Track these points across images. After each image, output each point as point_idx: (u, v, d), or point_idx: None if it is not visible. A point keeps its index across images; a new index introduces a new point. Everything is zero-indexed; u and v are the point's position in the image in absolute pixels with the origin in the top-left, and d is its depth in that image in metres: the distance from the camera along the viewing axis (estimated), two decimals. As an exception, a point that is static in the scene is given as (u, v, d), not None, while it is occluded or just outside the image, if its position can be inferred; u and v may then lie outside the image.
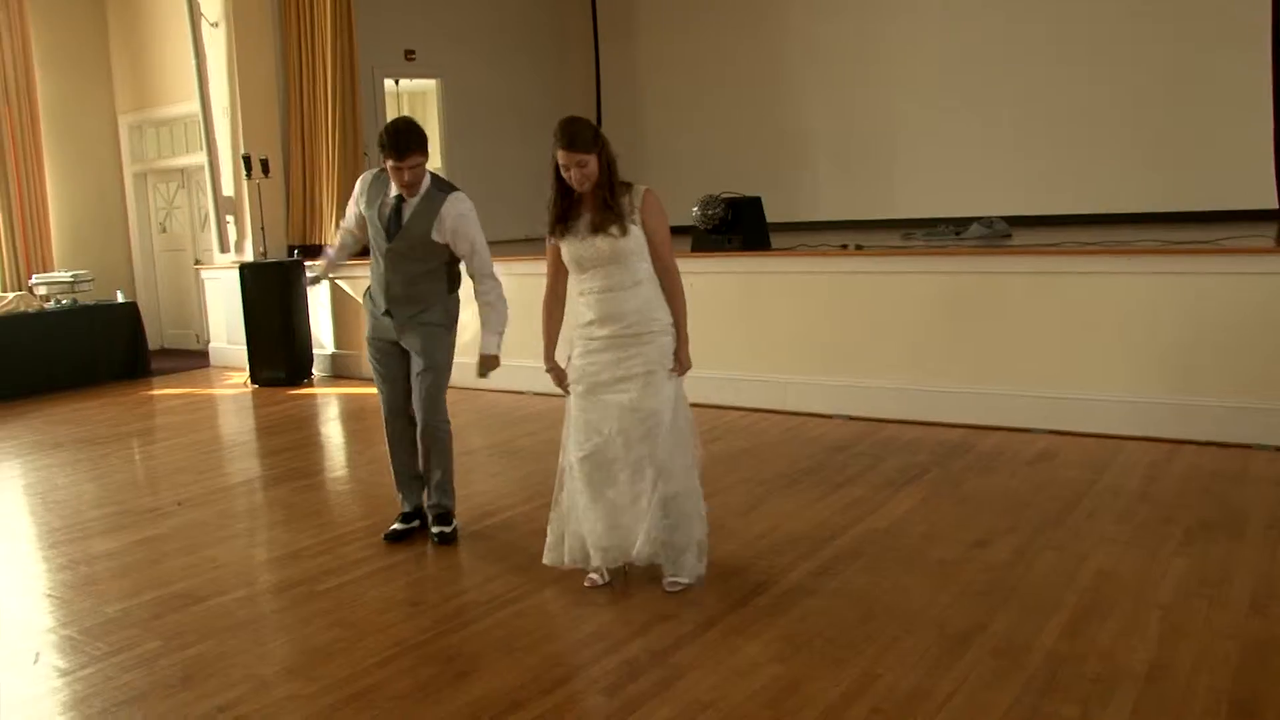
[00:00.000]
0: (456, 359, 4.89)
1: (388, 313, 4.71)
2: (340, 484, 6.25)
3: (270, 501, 5.84)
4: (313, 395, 9.12)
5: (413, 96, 14.30)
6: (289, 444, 7.29)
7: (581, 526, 4.09)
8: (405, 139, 4.38)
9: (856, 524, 4.74)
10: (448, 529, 4.83)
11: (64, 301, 10.20)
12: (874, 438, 6.34)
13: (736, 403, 7.27)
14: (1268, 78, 8.48)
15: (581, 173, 3.92)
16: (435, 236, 4.55)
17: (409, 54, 11.45)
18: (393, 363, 4.82)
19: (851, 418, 6.82)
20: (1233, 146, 8.75)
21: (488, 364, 4.65)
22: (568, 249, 4.05)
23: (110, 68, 12.17)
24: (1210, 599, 3.73)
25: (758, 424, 6.82)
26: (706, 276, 7.07)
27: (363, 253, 5.08)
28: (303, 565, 4.62)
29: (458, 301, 4.82)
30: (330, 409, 8.63)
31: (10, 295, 10.12)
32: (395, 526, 4.92)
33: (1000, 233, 7.87)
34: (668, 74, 11.90)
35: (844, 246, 7.24)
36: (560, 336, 4.27)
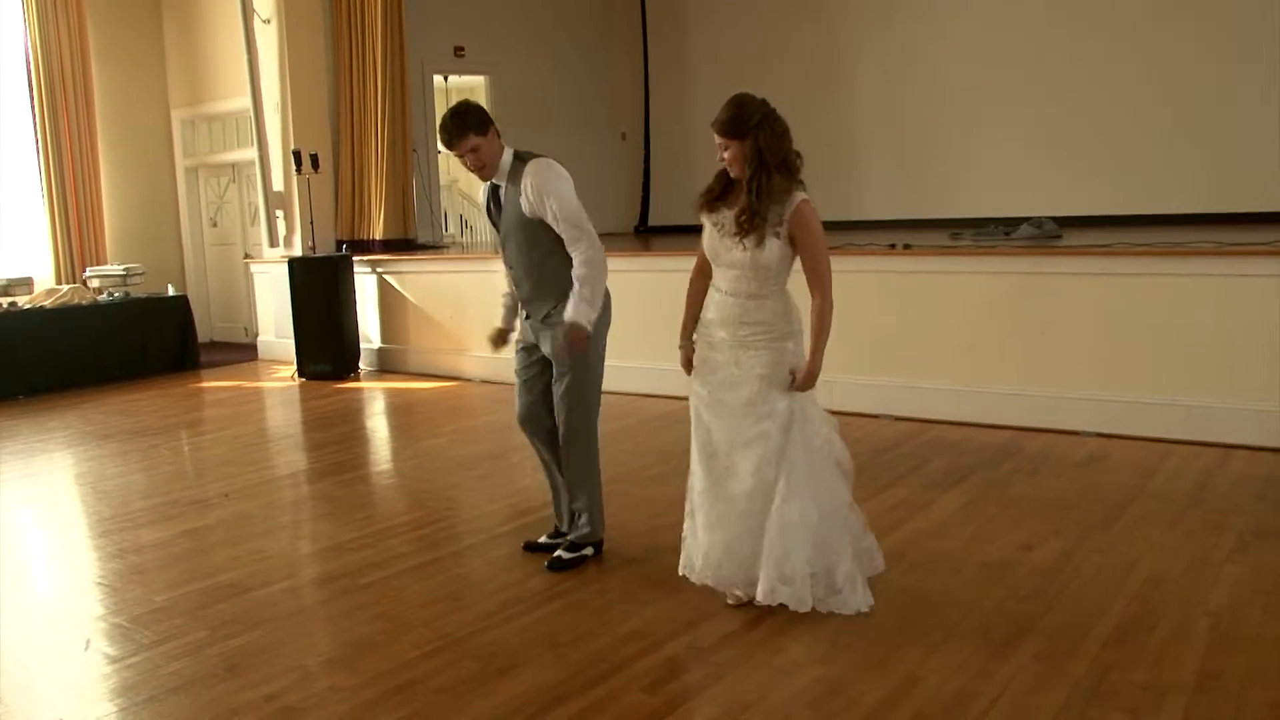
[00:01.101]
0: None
1: (529, 315, 4.36)
2: (385, 478, 6.29)
3: (316, 494, 5.90)
4: (359, 389, 9.19)
5: (461, 93, 14.37)
6: (335, 437, 7.35)
7: (698, 536, 3.89)
8: (450, 126, 4.11)
9: (902, 525, 4.71)
10: (566, 555, 4.39)
11: (116, 294, 10.35)
12: (921, 438, 6.29)
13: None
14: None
15: (725, 155, 3.67)
16: (526, 211, 4.15)
17: (458, 50, 11.51)
18: (531, 368, 4.42)
19: (898, 418, 6.77)
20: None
21: (571, 334, 4.13)
22: (707, 235, 3.78)
23: (164, 63, 12.33)
24: (1264, 608, 3.66)
25: (802, 423, 6.78)
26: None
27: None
28: (347, 558, 4.65)
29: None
30: (376, 403, 8.69)
31: (64, 288, 10.29)
32: (541, 539, 4.63)
33: (1050, 233, 7.77)
34: (716, 71, 11.86)
35: (892, 246, 7.18)
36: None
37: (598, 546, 4.48)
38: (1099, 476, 5.37)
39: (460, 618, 3.92)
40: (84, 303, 10.05)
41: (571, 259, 4.18)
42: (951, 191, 10.36)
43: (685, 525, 3.96)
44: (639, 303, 7.50)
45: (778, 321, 3.74)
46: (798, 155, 3.72)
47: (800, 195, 3.67)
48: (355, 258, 9.99)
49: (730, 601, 3.87)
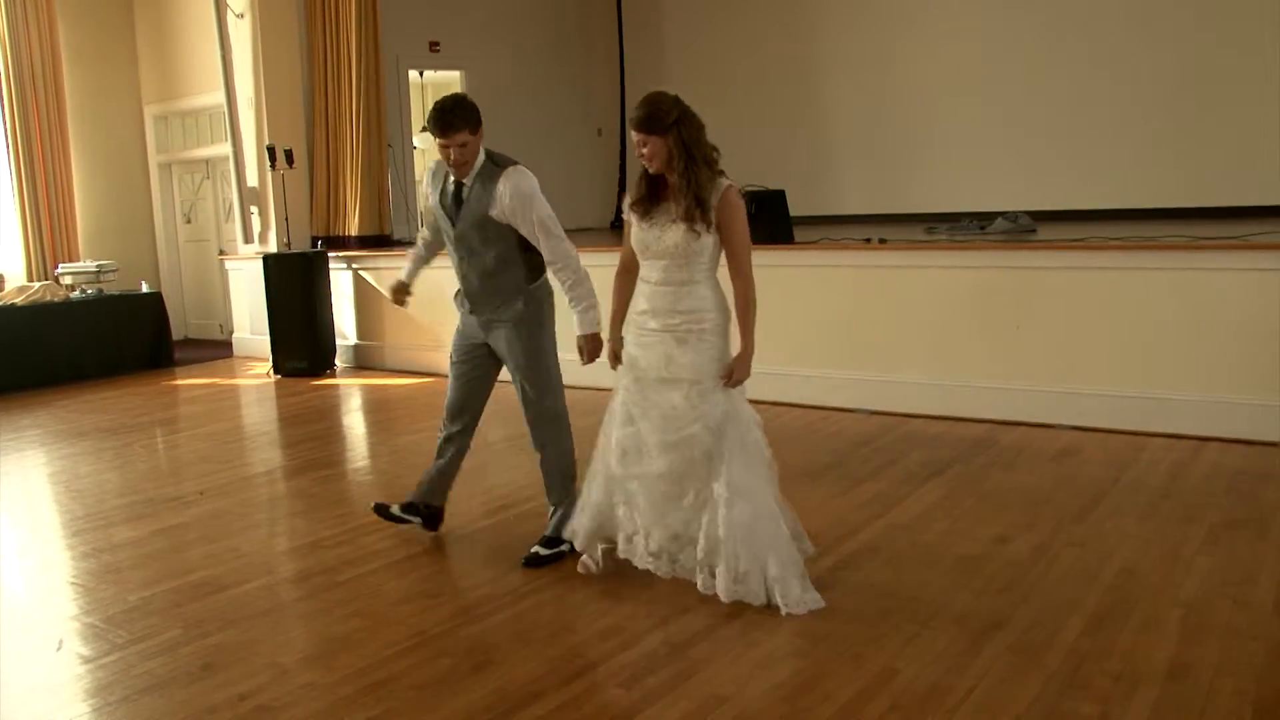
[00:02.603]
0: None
1: (473, 311, 4.40)
2: (361, 474, 6.27)
3: (291, 491, 5.87)
4: (335, 386, 9.16)
5: (437, 88, 14.30)
6: (311, 434, 7.32)
7: (614, 510, 4.03)
8: (448, 115, 4.09)
9: (878, 519, 4.73)
10: (544, 551, 4.38)
11: (89, 291, 10.27)
12: (897, 432, 6.31)
13: (758, 396, 7.14)
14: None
15: (644, 152, 3.76)
16: (494, 214, 4.18)
17: (434, 45, 11.46)
18: (472, 362, 4.47)
19: (874, 412, 6.79)
20: (1260, 142, 8.66)
21: (590, 345, 4.20)
22: (637, 234, 3.87)
23: (136, 59, 12.23)
24: (1234, 598, 3.70)
25: (779, 417, 6.79)
26: (729, 270, 7.04)
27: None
28: (323, 555, 4.63)
29: (544, 292, 4.37)
30: (352, 399, 8.66)
31: (36, 285, 10.20)
32: (392, 508, 4.71)
33: (1025, 227, 7.82)
34: (692, 65, 11.85)
35: (868, 240, 7.21)
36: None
37: (428, 519, 4.66)
38: (1074, 469, 5.40)
39: (436, 614, 3.91)
40: (56, 300, 9.96)
41: (524, 261, 4.29)
42: (926, 186, 10.39)
43: (583, 492, 4.15)
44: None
45: (710, 309, 3.84)
46: (715, 149, 3.83)
47: (726, 182, 3.79)
48: (331, 254, 9.95)
49: (580, 569, 4.14)
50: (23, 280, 10.79)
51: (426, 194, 4.49)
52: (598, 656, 3.50)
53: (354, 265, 9.96)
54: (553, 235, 4.23)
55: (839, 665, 3.32)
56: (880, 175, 10.81)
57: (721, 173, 3.81)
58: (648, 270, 3.89)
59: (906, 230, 8.43)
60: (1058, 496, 4.93)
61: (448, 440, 4.63)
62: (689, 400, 3.80)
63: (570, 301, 4.24)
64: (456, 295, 4.49)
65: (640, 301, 3.92)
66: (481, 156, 4.24)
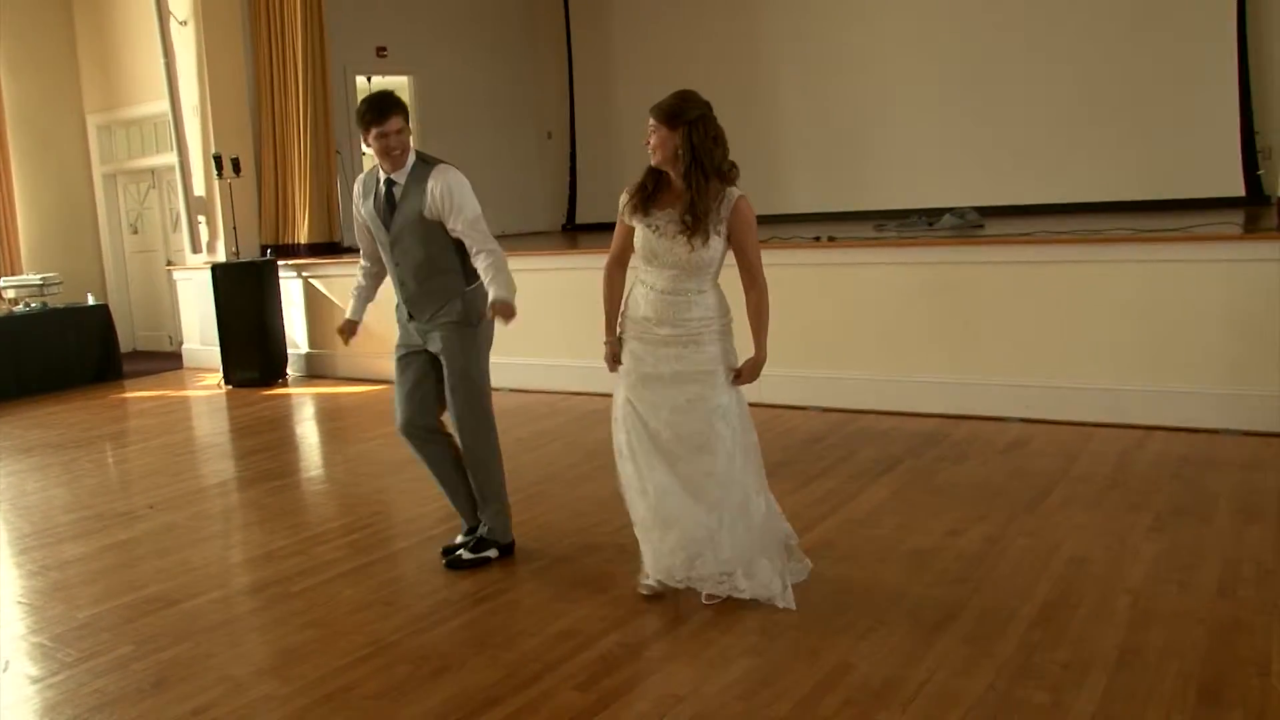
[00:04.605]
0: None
1: (412, 317, 4.38)
2: (315, 484, 6.23)
3: (244, 503, 5.82)
4: (287, 395, 9.08)
5: (384, 94, 14.23)
6: (263, 445, 7.26)
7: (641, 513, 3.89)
8: (383, 101, 4.12)
9: (831, 515, 4.76)
10: (468, 555, 4.40)
11: (33, 305, 10.11)
12: (848, 429, 6.36)
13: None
14: (1234, 67, 8.58)
15: (652, 140, 3.70)
16: (428, 214, 4.20)
17: (380, 51, 11.40)
18: (416, 369, 4.41)
19: (825, 409, 6.84)
20: (1201, 135, 8.82)
21: (502, 309, 4.10)
22: (643, 237, 3.76)
23: (78, 67, 12.04)
24: (1179, 583, 3.77)
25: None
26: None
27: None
28: (277, 566, 4.60)
29: (480, 294, 4.27)
30: (305, 409, 8.59)
31: (-22, 299, 10.04)
32: (456, 539, 4.58)
33: (972, 223, 7.90)
34: (640, 65, 11.88)
35: (816, 238, 7.25)
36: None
37: (505, 549, 4.47)
38: (1023, 461, 5.47)
39: (392, 622, 3.89)
40: (-1, 314, 9.80)
41: (460, 264, 4.28)
42: (875, 184, 10.47)
43: (639, 533, 3.92)
44: (566, 300, 7.51)
45: (717, 315, 3.81)
46: (733, 165, 3.76)
47: (737, 192, 3.73)
48: (280, 262, 9.86)
49: (644, 592, 3.91)
50: (-35, 295, 10.60)
51: (357, 209, 4.46)
52: (554, 659, 3.49)
53: (304, 273, 9.88)
54: (480, 230, 4.23)
55: (794, 661, 3.35)
56: (828, 173, 10.88)
57: (733, 184, 3.75)
58: (653, 277, 3.79)
59: (855, 228, 8.49)
60: (1008, 488, 5.00)
61: (433, 459, 4.50)
62: (700, 395, 3.78)
63: (489, 280, 4.16)
64: (398, 309, 4.46)
65: (643, 307, 3.82)
66: (412, 157, 4.27)
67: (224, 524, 5.49)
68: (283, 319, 9.74)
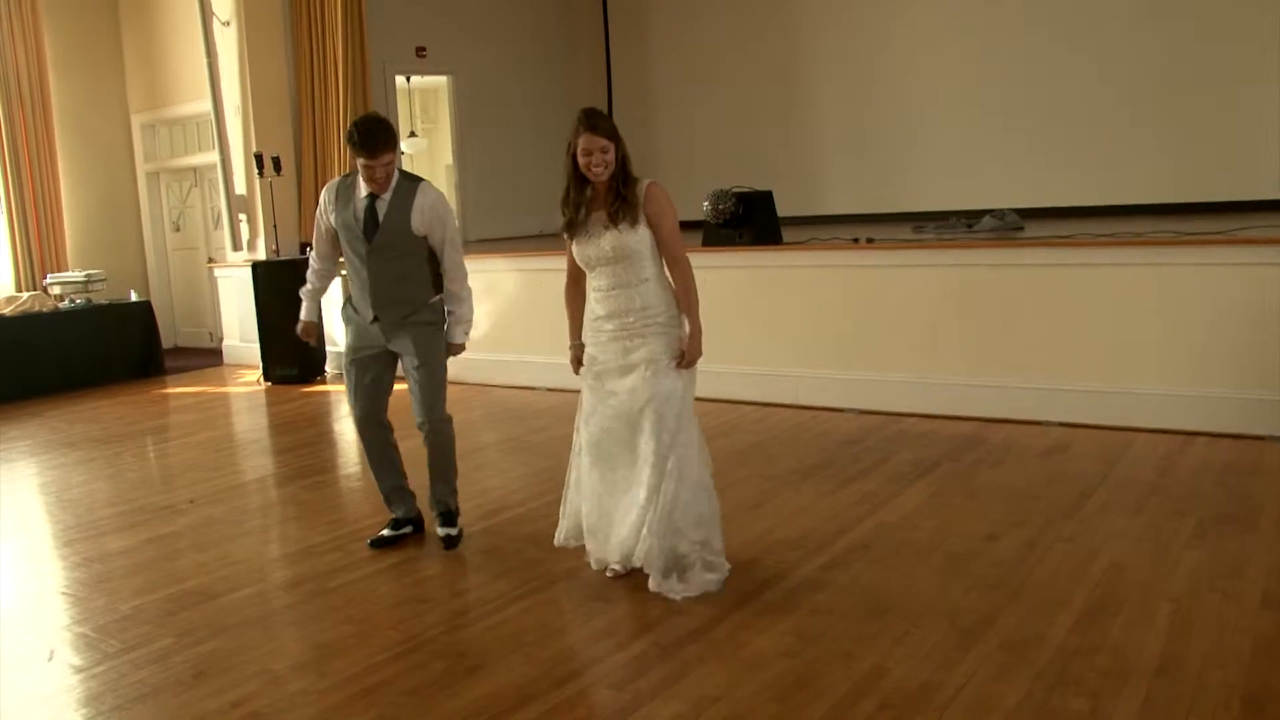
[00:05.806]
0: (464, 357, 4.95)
1: (376, 319, 4.65)
2: (352, 481, 6.26)
3: (282, 499, 5.87)
4: (325, 392, 9.15)
5: (424, 93, 14.32)
6: (301, 441, 7.32)
7: (582, 509, 4.16)
8: (377, 137, 4.32)
9: (867, 518, 4.74)
10: (454, 531, 4.76)
11: (78, 301, 10.26)
12: (885, 431, 6.33)
13: (747, 397, 7.27)
14: (1276, 68, 8.45)
15: (604, 158, 3.89)
16: (415, 228, 4.52)
17: (420, 51, 11.45)
18: (376, 367, 4.77)
19: (863, 411, 6.81)
20: (1245, 137, 8.69)
21: (457, 351, 4.77)
22: (577, 249, 4.05)
23: (123, 68, 12.21)
24: (1222, 593, 3.72)
25: (768, 418, 6.81)
26: (718, 271, 7.06)
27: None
28: (314, 562, 4.64)
29: (442, 305, 4.74)
30: (342, 406, 8.64)
31: (25, 295, 10.18)
32: (384, 532, 4.85)
33: (1012, 225, 7.83)
34: (679, 66, 11.87)
35: (855, 240, 7.22)
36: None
37: (418, 524, 4.90)
38: (1062, 466, 5.42)
39: (428, 619, 3.91)
40: (45, 310, 9.94)
41: (431, 274, 4.65)
42: (913, 185, 10.40)
43: (563, 496, 4.27)
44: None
45: (661, 304, 4.01)
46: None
47: (647, 180, 4.00)
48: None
49: (608, 574, 4.13)
50: (11, 291, 10.78)
51: (326, 215, 4.69)
52: (589, 659, 3.51)
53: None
54: (458, 250, 4.68)
55: (829, 664, 3.33)
56: (868, 175, 10.82)
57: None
58: (597, 279, 4.05)
59: (894, 229, 8.44)
60: (1046, 493, 4.95)
61: (384, 448, 4.88)
62: (643, 379, 3.96)
63: (453, 316, 4.71)
64: (346, 306, 4.83)
65: (596, 308, 4.08)
66: (396, 175, 4.52)
67: (262, 519, 5.54)
68: (322, 316, 9.79)
